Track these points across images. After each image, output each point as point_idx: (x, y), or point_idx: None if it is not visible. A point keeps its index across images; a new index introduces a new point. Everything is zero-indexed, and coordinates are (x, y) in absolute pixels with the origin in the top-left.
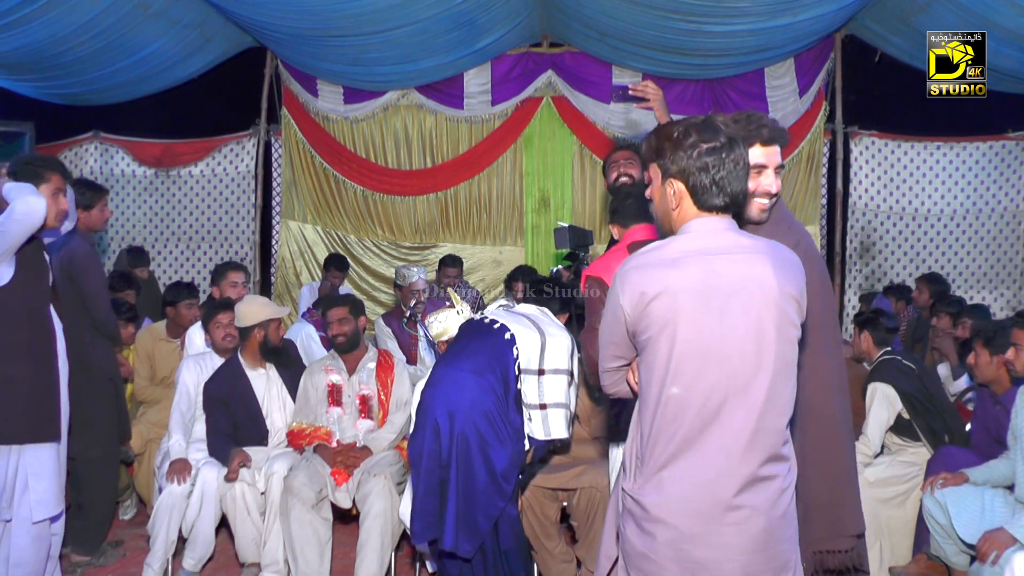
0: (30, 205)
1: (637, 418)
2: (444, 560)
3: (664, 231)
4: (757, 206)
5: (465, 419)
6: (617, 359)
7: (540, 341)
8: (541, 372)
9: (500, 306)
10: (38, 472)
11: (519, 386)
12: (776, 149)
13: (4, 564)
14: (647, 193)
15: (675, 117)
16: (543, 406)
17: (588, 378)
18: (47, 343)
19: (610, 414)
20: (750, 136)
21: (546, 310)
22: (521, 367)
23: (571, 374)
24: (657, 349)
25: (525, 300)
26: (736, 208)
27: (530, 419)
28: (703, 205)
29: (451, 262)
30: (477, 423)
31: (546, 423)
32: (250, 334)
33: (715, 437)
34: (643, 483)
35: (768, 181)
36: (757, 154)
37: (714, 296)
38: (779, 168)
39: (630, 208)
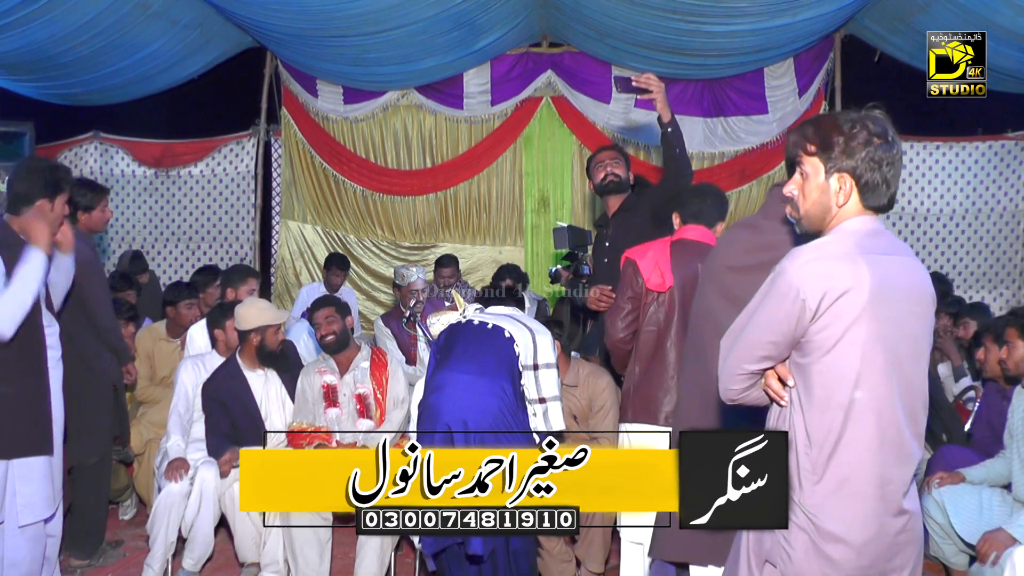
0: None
1: (799, 424)
2: (451, 564)
3: (809, 228)
4: None
5: (480, 423)
6: (765, 360)
7: (531, 337)
8: (536, 367)
9: (476, 309)
10: (26, 476)
11: (521, 382)
12: None
13: None
14: (787, 191)
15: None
16: (542, 400)
17: (609, 358)
18: (38, 358)
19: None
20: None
21: (516, 309)
22: (522, 364)
23: (557, 367)
24: (840, 349)
25: (484, 300)
26: (889, 210)
27: (534, 414)
28: (869, 203)
29: (445, 262)
30: (493, 426)
31: (547, 416)
32: (247, 337)
33: (892, 446)
34: (824, 497)
35: None
36: None
37: (889, 299)
38: None
39: (697, 207)
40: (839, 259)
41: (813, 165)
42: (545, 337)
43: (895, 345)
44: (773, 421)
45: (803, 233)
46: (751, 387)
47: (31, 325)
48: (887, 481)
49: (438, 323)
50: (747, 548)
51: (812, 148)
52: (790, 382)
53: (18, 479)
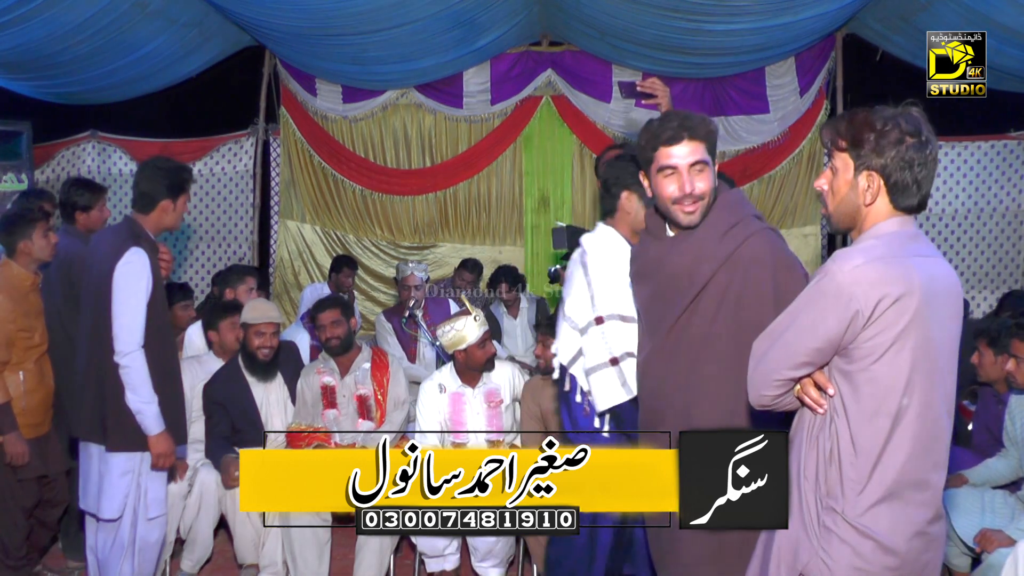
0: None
1: (845, 433)
2: None
3: (839, 227)
4: (679, 210)
5: None
6: (806, 367)
7: (589, 294)
8: (599, 320)
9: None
10: (153, 473)
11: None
12: (686, 147)
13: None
14: (817, 184)
15: None
16: (614, 361)
17: None
18: (175, 358)
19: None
20: (653, 140)
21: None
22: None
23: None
24: (891, 355)
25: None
26: (921, 211)
27: (588, 391)
28: (899, 204)
29: (470, 267)
30: None
31: (624, 379)
32: (247, 332)
33: (933, 450)
34: (868, 507)
35: (680, 183)
36: (663, 156)
37: (935, 302)
38: (697, 164)
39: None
40: (891, 263)
41: (843, 161)
42: (582, 297)
43: (938, 348)
44: (806, 429)
45: (833, 232)
46: (786, 394)
47: (168, 330)
48: (928, 486)
49: (452, 330)
50: (777, 560)
51: (843, 143)
52: (830, 390)
53: (147, 477)
